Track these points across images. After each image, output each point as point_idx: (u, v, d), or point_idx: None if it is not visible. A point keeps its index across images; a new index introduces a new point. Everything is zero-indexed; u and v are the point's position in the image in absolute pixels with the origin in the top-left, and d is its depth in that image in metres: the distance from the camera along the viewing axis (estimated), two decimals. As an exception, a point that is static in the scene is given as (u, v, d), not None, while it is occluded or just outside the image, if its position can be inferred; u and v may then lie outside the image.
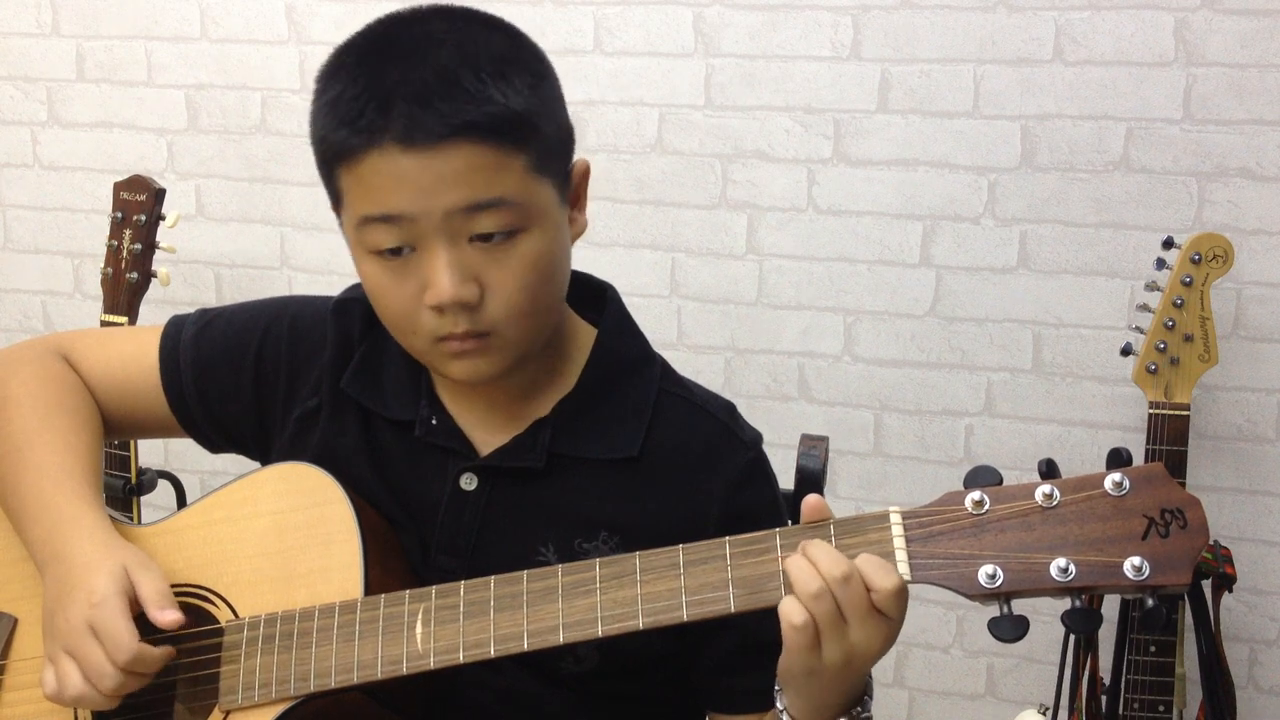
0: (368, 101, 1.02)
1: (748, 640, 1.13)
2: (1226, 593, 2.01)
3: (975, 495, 0.95)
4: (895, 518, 0.97)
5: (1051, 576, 0.92)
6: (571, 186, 1.12)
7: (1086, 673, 2.07)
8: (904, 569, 0.95)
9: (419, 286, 1.05)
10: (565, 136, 1.11)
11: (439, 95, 1.00)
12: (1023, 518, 0.94)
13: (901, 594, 0.95)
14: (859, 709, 1.02)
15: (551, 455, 1.15)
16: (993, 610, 0.95)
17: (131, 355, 1.29)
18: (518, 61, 1.06)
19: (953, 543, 0.95)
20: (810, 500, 1.00)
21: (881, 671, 2.39)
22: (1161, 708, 1.95)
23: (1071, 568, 0.92)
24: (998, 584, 0.93)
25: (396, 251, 1.05)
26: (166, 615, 1.08)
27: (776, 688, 1.03)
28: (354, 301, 1.23)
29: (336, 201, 1.10)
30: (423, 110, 1.00)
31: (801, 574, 0.95)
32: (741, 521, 1.06)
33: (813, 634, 0.95)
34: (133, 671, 1.07)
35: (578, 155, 1.14)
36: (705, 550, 1.00)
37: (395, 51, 1.04)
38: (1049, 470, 0.96)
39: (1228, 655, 2.02)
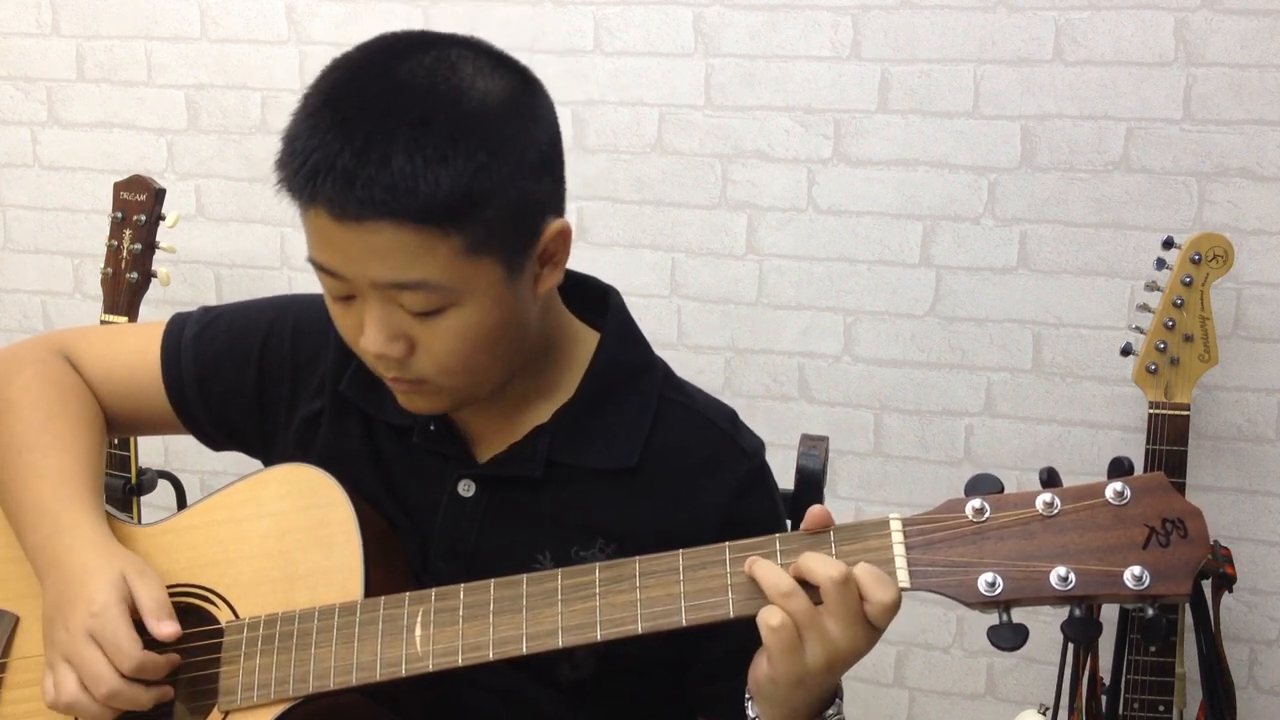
0: (303, 164, 1.00)
1: (735, 645, 1.11)
2: (1226, 593, 2.01)
3: (976, 503, 0.95)
4: (895, 524, 0.97)
5: (1051, 585, 0.92)
6: (535, 253, 1.07)
7: (1086, 673, 2.07)
8: (903, 576, 0.95)
9: (358, 327, 1.06)
10: (524, 209, 1.04)
11: (364, 174, 0.97)
12: (1023, 526, 0.94)
13: (895, 608, 0.95)
14: (831, 710, 1.02)
15: (550, 463, 1.15)
16: (992, 618, 0.95)
17: (134, 352, 1.28)
18: (477, 132, 1.00)
19: (953, 550, 0.95)
20: (813, 512, 1.00)
21: (881, 671, 2.39)
22: (1161, 708, 1.95)
23: (1071, 576, 0.92)
24: (997, 592, 0.93)
25: (347, 296, 1.06)
26: (165, 628, 1.09)
27: (748, 697, 1.04)
28: None
29: None
30: (348, 187, 0.98)
31: (769, 575, 0.96)
32: (741, 531, 1.05)
33: (792, 633, 0.95)
34: (137, 679, 1.07)
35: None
36: (705, 555, 1.01)
37: (347, 106, 1.00)
38: (1050, 479, 0.96)
39: (1228, 655, 2.02)
